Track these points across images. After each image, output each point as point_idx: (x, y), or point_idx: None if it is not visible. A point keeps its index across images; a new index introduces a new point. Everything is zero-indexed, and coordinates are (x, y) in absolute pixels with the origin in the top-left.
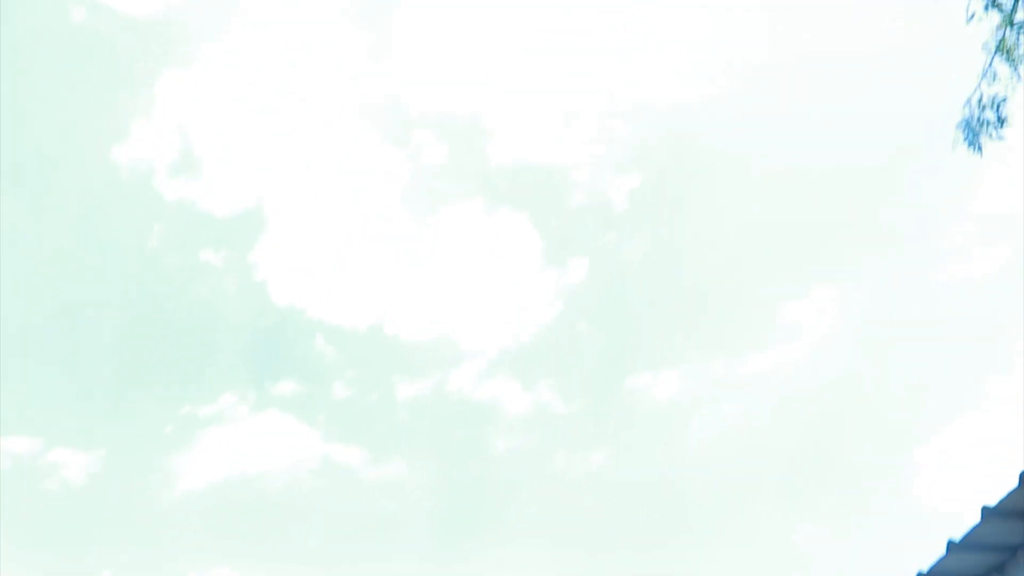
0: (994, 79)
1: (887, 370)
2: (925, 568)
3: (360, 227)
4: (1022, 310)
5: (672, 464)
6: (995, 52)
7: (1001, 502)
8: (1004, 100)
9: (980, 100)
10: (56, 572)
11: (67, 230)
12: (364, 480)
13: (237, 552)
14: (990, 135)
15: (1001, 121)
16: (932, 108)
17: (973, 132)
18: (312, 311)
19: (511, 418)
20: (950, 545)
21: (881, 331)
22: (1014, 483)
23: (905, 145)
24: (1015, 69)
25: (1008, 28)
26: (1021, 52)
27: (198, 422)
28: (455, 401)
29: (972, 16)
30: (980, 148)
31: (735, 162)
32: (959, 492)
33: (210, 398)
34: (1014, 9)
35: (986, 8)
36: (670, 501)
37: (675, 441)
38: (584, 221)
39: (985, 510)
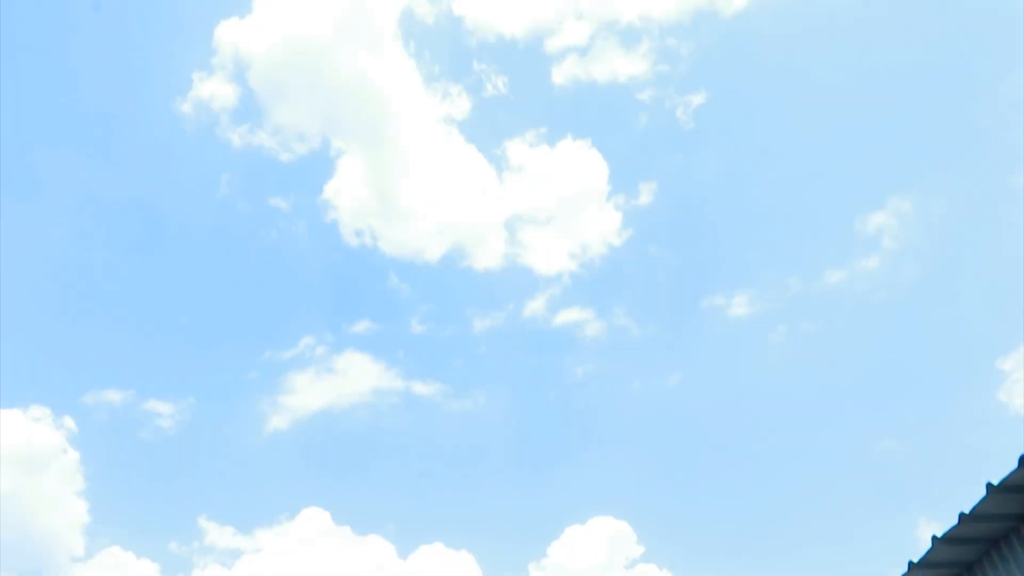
0: None
1: (967, 279)
2: (939, 534)
3: (426, 162)
4: None
5: (749, 384)
6: None
7: (1004, 480)
8: None
9: None
10: (154, 517)
11: (137, 185)
12: (445, 412)
13: (325, 488)
14: None
15: None
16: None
17: None
18: (384, 249)
19: (587, 344)
20: (961, 516)
21: (959, 238)
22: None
23: (976, 43)
24: None
25: None
26: None
27: (280, 366)
28: (530, 331)
29: None
30: None
31: (803, 72)
32: None
33: (290, 342)
34: None
35: None
36: (748, 421)
37: (752, 360)
38: (650, 143)
39: (989, 486)
